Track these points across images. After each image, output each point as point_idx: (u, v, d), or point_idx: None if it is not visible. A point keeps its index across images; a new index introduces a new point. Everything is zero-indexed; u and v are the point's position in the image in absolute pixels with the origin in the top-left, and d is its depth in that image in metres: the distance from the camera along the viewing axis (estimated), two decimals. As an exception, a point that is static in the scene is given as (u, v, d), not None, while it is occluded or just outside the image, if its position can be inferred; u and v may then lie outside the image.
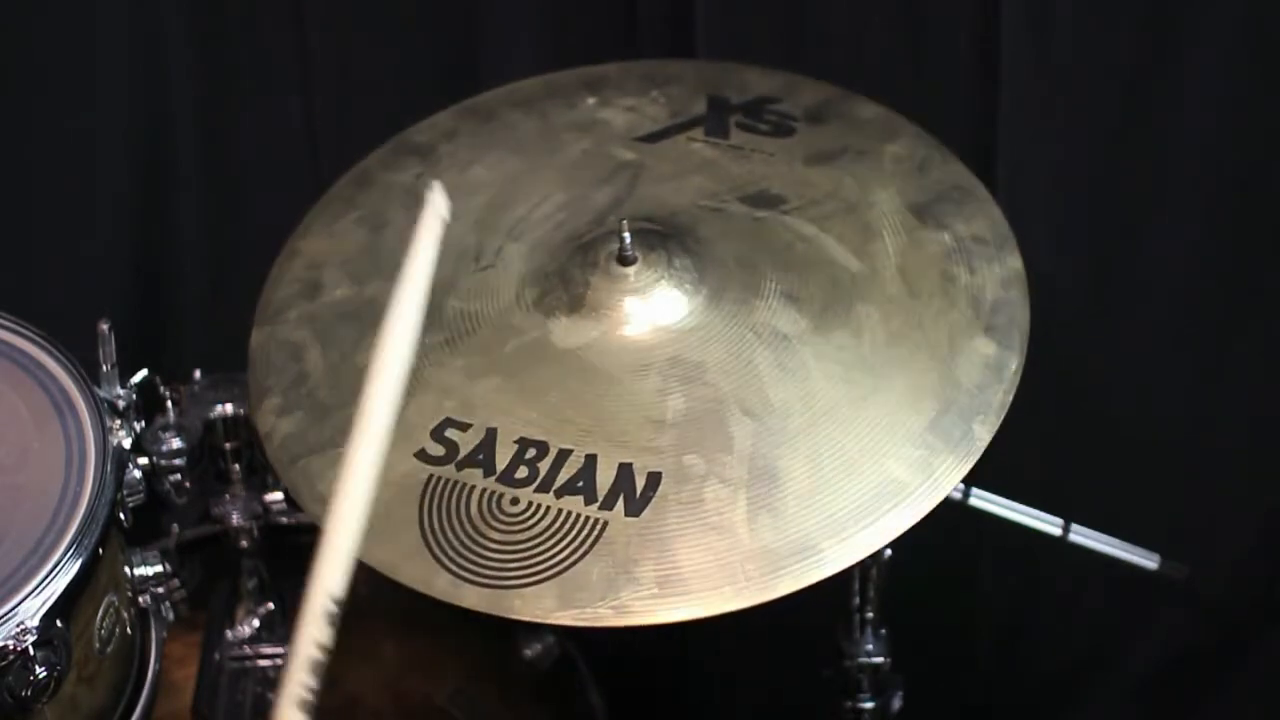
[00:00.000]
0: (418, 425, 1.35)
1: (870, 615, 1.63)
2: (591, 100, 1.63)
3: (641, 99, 1.63)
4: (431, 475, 1.32)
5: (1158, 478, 2.05)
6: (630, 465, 1.30)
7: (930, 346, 1.37)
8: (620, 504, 1.28)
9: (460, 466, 1.32)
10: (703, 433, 1.31)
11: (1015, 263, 1.43)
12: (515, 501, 1.29)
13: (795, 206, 1.49)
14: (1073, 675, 2.18)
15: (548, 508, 1.28)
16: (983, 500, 1.58)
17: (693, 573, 1.24)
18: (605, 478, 1.29)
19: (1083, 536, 1.61)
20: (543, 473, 1.30)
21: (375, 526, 1.27)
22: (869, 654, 1.64)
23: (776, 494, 1.27)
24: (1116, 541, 1.61)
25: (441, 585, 1.26)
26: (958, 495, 1.56)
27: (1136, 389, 2.04)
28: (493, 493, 1.30)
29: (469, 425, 1.35)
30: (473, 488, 1.30)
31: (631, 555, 1.25)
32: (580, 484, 1.29)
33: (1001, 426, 1.34)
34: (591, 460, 1.30)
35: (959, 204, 1.49)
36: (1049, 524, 1.60)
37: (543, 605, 1.23)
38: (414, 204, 1.54)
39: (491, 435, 1.34)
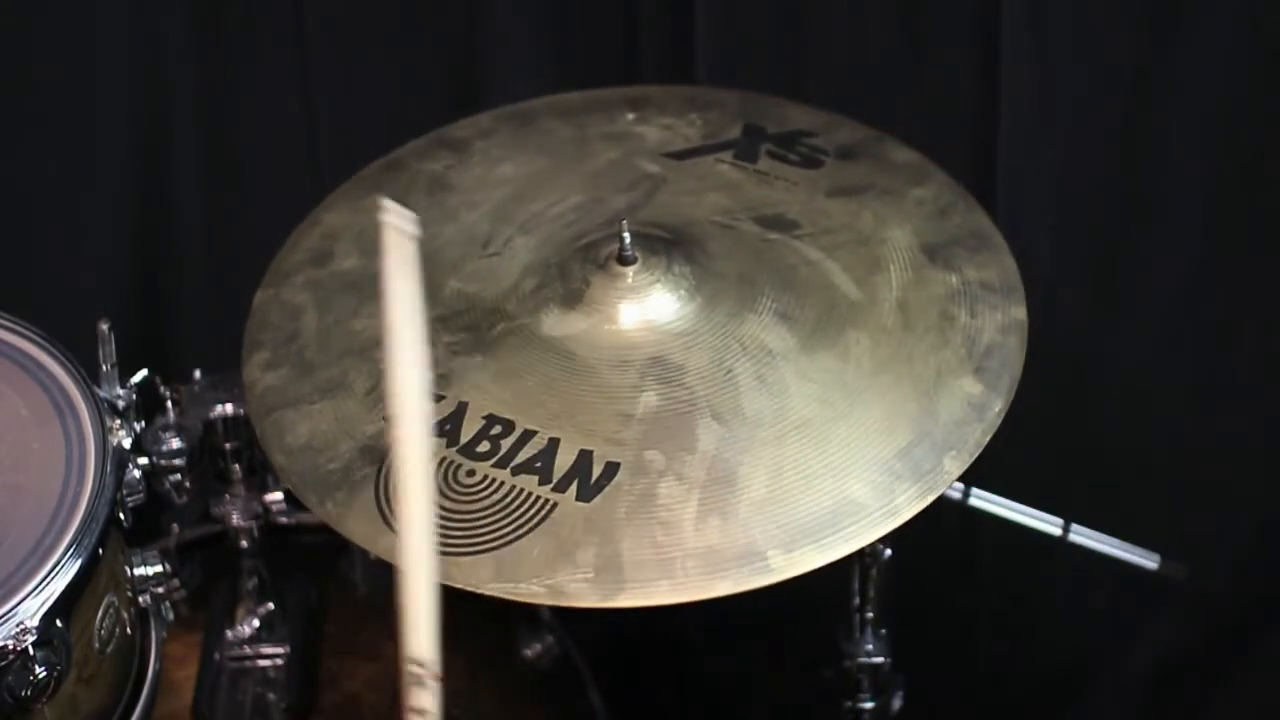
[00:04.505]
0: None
1: (870, 615, 1.63)
2: (630, 116, 1.66)
3: (679, 119, 1.65)
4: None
5: (1158, 478, 2.06)
6: (590, 452, 1.32)
7: (915, 379, 1.37)
8: (574, 488, 1.30)
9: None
10: (669, 431, 1.33)
11: (1019, 313, 1.43)
12: (471, 473, 1.31)
13: (807, 233, 1.51)
14: (1073, 675, 2.18)
15: (502, 483, 1.30)
16: (983, 500, 1.58)
17: (632, 563, 1.25)
18: (564, 461, 1.31)
19: (1083, 536, 1.61)
20: (504, 449, 1.32)
21: (333, 482, 1.32)
22: (869, 654, 1.64)
23: (730, 498, 1.28)
24: (1116, 541, 1.61)
25: (385, 545, 1.28)
26: (957, 495, 1.56)
27: (1136, 389, 2.04)
28: (452, 462, 1.32)
29: (442, 397, 1.37)
30: (433, 455, 1.32)
31: (575, 539, 1.26)
32: (538, 464, 1.31)
33: (1001, 426, 1.35)
34: (554, 443, 1.32)
35: (973, 250, 1.49)
36: (1049, 524, 1.60)
37: (478, 575, 1.25)
38: (437, 189, 1.59)
39: (462, 409, 1.36)
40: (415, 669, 1.06)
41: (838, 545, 1.26)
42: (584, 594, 1.24)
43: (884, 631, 1.65)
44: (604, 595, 1.24)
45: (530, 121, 1.67)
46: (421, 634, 1.07)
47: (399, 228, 1.18)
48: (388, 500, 1.31)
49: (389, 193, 1.58)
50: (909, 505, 1.29)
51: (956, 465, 1.31)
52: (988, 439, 1.33)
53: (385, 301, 1.15)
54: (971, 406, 1.35)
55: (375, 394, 1.39)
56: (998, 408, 1.35)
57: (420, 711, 1.06)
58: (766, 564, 1.25)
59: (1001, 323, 1.42)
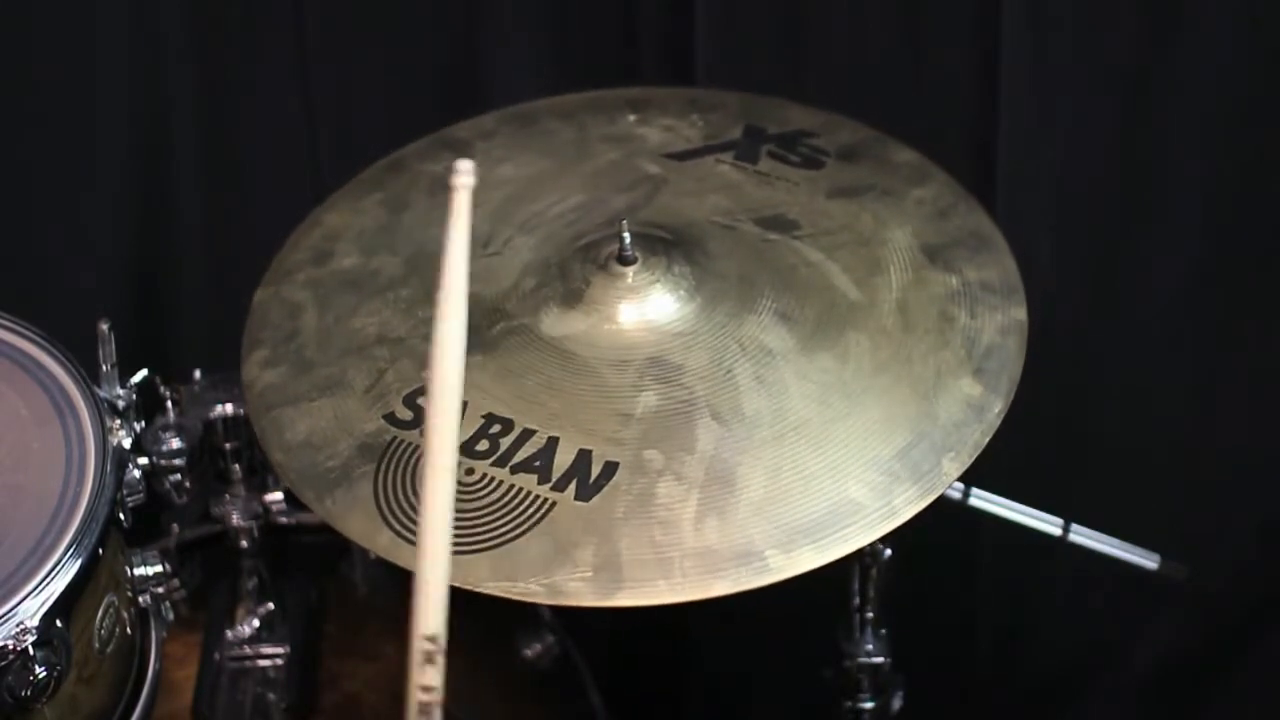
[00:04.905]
0: (393, 389, 1.39)
1: (870, 615, 1.63)
2: (632, 117, 1.66)
3: (680, 120, 1.65)
4: (395, 437, 1.35)
5: (1158, 478, 2.05)
6: (590, 452, 1.32)
7: (914, 380, 1.37)
8: (572, 487, 1.30)
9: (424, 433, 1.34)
10: (668, 431, 1.33)
11: (1019, 313, 1.43)
12: (470, 472, 1.31)
13: (807, 233, 1.51)
14: (1073, 675, 2.18)
15: (500, 481, 1.30)
16: (983, 500, 1.58)
17: (630, 562, 1.25)
18: (563, 460, 1.31)
19: (1083, 536, 1.61)
20: (503, 448, 1.33)
21: (331, 479, 1.33)
22: (869, 654, 1.64)
23: (729, 498, 1.28)
24: (1116, 541, 1.61)
25: (383, 542, 1.29)
26: (957, 495, 1.56)
27: (1137, 389, 2.04)
28: None
29: None
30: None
31: (573, 538, 1.26)
32: (537, 463, 1.31)
33: (1001, 426, 1.35)
34: (553, 442, 1.32)
35: (974, 251, 1.49)
36: (1049, 524, 1.60)
37: (476, 574, 1.25)
38: (438, 190, 1.58)
39: (461, 407, 1.34)
40: (425, 645, 1.04)
41: (836, 546, 1.26)
42: (582, 593, 1.24)
43: (884, 631, 1.65)
44: (602, 595, 1.24)
45: (532, 123, 1.68)
46: (433, 609, 1.05)
47: (465, 185, 1.13)
48: (385, 496, 1.31)
49: (390, 193, 1.59)
50: (907, 506, 1.28)
51: (955, 467, 1.31)
52: (987, 440, 1.33)
53: (443, 260, 1.10)
54: (971, 408, 1.35)
55: (374, 391, 1.39)
56: (997, 409, 1.35)
57: (427, 688, 1.05)
58: (765, 564, 1.25)
59: (1001, 323, 1.42)
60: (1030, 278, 1.47)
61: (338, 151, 2.02)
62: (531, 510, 1.28)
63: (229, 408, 1.64)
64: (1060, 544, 1.60)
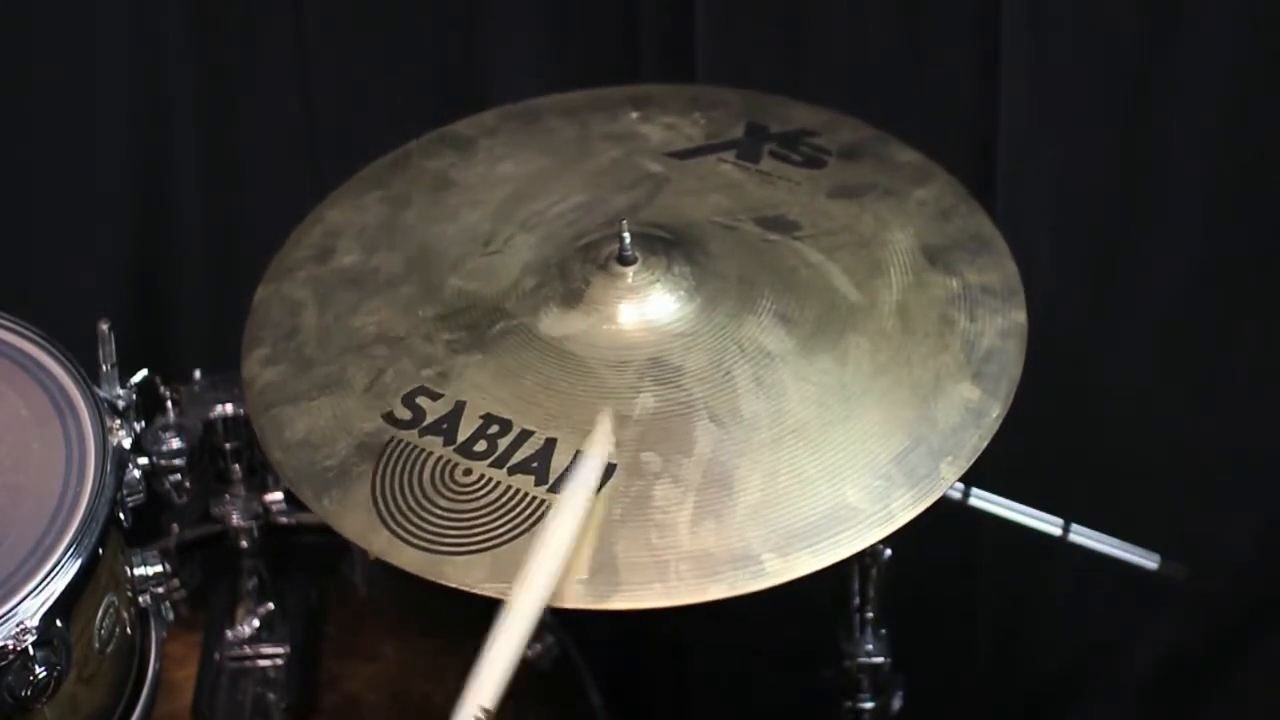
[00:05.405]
0: (391, 389, 1.39)
1: (870, 615, 1.63)
2: (634, 115, 1.66)
3: (682, 119, 1.65)
4: (394, 437, 1.35)
5: (1158, 478, 2.05)
6: None
7: (913, 383, 1.37)
8: None
9: (423, 433, 1.35)
10: (666, 433, 1.33)
11: (1019, 316, 1.43)
12: (468, 473, 1.31)
13: (808, 234, 1.50)
14: (1073, 675, 2.18)
15: (498, 482, 1.30)
16: (983, 500, 1.58)
17: (626, 565, 1.25)
18: (560, 462, 1.31)
19: (1083, 536, 1.61)
20: (500, 449, 1.32)
21: (329, 478, 1.33)
22: (869, 654, 1.64)
23: (726, 501, 1.28)
24: (1116, 541, 1.61)
25: (379, 543, 1.29)
26: (957, 495, 1.56)
27: (1136, 389, 2.04)
28: (448, 461, 1.32)
29: (440, 395, 1.38)
30: (430, 454, 1.33)
31: None
32: (534, 464, 1.31)
33: (1002, 426, 1.34)
34: (551, 443, 1.32)
35: (975, 254, 1.49)
36: (1049, 524, 1.60)
37: (473, 575, 1.25)
38: (440, 187, 1.59)
39: (460, 407, 1.36)
40: (477, 711, 1.12)
41: (832, 550, 1.26)
42: (578, 596, 1.24)
43: (884, 631, 1.65)
44: (598, 597, 1.24)
45: (534, 120, 1.67)
46: (494, 686, 1.12)
47: (605, 443, 1.27)
48: (383, 496, 1.31)
49: (391, 190, 1.59)
50: (904, 511, 1.28)
51: (953, 471, 1.31)
52: (985, 444, 1.33)
53: (571, 485, 1.25)
54: (969, 412, 1.35)
55: (373, 390, 1.39)
56: (995, 413, 1.35)
57: None
58: (761, 568, 1.25)
59: (1001, 327, 1.42)
60: (1030, 278, 1.47)
61: (338, 151, 2.02)
62: (528, 511, 1.28)
63: (229, 408, 1.64)
64: (1060, 544, 1.60)
